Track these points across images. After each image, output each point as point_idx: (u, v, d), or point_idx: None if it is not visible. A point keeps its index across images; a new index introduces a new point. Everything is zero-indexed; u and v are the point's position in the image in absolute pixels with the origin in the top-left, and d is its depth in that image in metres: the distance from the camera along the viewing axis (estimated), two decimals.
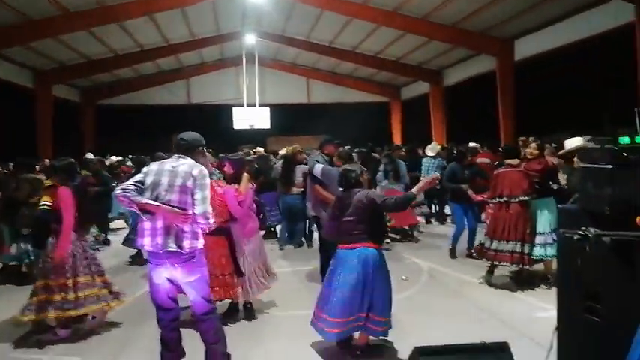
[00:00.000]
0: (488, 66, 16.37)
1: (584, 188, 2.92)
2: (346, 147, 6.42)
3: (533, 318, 4.42)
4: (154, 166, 3.41)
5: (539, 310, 4.51)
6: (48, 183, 4.69)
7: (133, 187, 3.29)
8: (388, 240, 7.82)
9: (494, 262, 5.60)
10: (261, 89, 22.39)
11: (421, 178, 9.07)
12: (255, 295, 4.80)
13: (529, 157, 5.60)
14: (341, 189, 4.02)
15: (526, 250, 5.38)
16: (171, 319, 3.44)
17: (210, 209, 3.29)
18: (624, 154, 2.70)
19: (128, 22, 14.98)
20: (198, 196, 3.25)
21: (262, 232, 5.15)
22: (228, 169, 4.76)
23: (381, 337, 3.89)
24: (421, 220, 9.98)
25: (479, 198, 6.69)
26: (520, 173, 5.50)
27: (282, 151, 11.06)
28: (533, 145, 5.66)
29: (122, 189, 3.28)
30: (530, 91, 15.48)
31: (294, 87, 24.79)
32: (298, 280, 6.13)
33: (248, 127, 21.24)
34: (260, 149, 13.19)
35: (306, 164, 8.86)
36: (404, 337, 4.05)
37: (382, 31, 16.58)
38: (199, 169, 3.33)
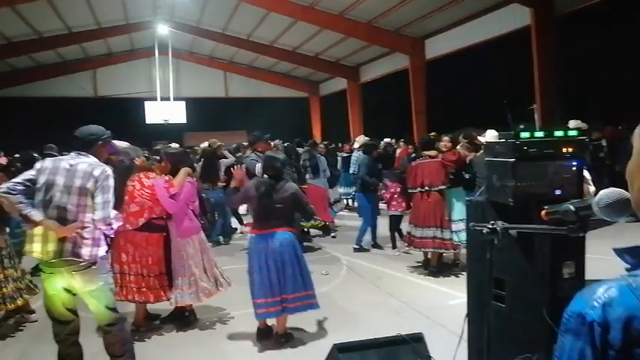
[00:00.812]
0: (402, 64, 16.96)
1: (489, 181, 3.06)
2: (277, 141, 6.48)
3: (446, 306, 4.61)
4: (47, 163, 3.04)
5: (452, 298, 4.71)
6: None
7: (20, 188, 2.91)
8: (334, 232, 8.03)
9: (421, 250, 5.96)
10: (176, 82, 21.48)
11: (351, 172, 9.23)
12: (194, 301, 4.38)
13: (443, 149, 5.95)
14: (265, 175, 4.10)
15: (446, 235, 5.74)
16: (68, 333, 3.11)
17: (112, 214, 3.01)
18: (525, 147, 2.85)
19: (22, 6, 13.63)
20: (98, 199, 2.95)
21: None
22: (165, 162, 4.51)
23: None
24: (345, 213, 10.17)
25: (387, 195, 7.06)
26: (438, 163, 5.84)
27: (204, 145, 10.66)
28: (446, 138, 6.01)
29: (7, 187, 2.90)
30: (441, 89, 16.29)
31: (211, 81, 24.05)
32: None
33: (162, 122, 20.25)
34: (175, 145, 12.60)
35: (226, 158, 8.65)
36: (324, 333, 4.05)
37: (300, 26, 16.57)
38: (101, 168, 3.03)
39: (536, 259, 2.75)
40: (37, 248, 2.93)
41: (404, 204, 6.88)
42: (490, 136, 5.94)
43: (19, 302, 4.21)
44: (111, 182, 3.03)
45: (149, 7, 17.30)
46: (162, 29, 18.68)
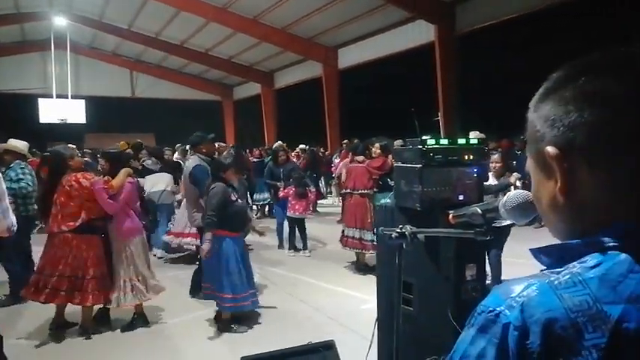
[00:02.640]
0: (316, 72, 17.19)
1: (397, 186, 3.12)
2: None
3: (357, 311, 4.63)
4: None
5: (364, 303, 4.75)
6: None
7: None
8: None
9: (350, 249, 6.24)
10: (76, 79, 19.91)
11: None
12: (136, 302, 4.33)
13: (374, 155, 6.25)
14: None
15: (366, 237, 5.95)
16: None
17: (14, 220, 2.79)
18: (431, 154, 2.94)
19: None
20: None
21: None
22: (104, 163, 4.48)
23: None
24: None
25: (281, 194, 7.47)
26: (363, 169, 6.25)
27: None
28: (377, 145, 6.27)
29: None
30: (354, 98, 16.74)
31: (115, 79, 22.61)
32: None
33: (58, 121, 18.61)
34: (72, 147, 11.62)
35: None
36: (235, 344, 3.89)
37: (213, 27, 16.16)
38: None
39: (442, 262, 2.84)
40: None
41: (298, 206, 7.22)
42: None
43: None
44: (3, 187, 2.82)
45: None
46: (60, 21, 17.25)
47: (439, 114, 12.19)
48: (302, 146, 13.76)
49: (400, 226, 1.77)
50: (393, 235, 1.74)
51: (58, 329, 4.25)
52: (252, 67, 20.46)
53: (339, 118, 16.73)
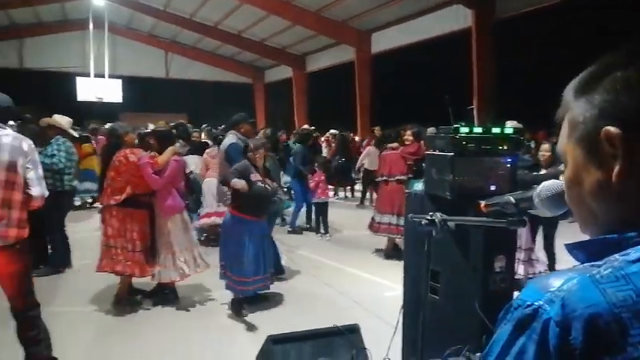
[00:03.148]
0: (349, 56, 17.03)
1: (428, 174, 3.09)
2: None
3: (382, 298, 4.65)
4: None
5: (389, 290, 4.76)
6: None
7: None
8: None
9: (381, 234, 6.24)
10: (112, 59, 20.31)
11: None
12: (175, 279, 4.45)
13: (406, 142, 6.27)
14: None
15: (401, 222, 5.89)
16: None
17: (46, 191, 2.87)
18: (464, 142, 2.90)
19: None
20: (32, 174, 2.77)
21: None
22: (153, 141, 4.61)
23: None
24: None
25: (312, 182, 7.48)
26: (397, 155, 6.25)
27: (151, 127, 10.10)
28: (409, 132, 6.29)
29: None
30: (386, 83, 16.54)
31: (151, 59, 22.98)
32: None
33: (95, 100, 19.10)
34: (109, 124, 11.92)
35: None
36: (260, 324, 3.97)
37: (246, 9, 16.17)
38: (28, 142, 2.82)
39: (470, 252, 2.81)
40: None
41: (328, 192, 7.40)
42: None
43: None
44: (37, 156, 2.88)
45: None
46: (98, 1, 17.58)
47: (473, 103, 12.00)
48: (332, 131, 13.72)
49: (430, 213, 1.76)
50: (422, 222, 1.73)
51: (125, 299, 4.50)
52: (284, 50, 20.43)
53: (370, 103, 16.59)
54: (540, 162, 5.04)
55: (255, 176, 4.24)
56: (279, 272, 5.09)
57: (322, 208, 7.58)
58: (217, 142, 6.81)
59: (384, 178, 6.31)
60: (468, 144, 2.91)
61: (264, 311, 4.37)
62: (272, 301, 4.61)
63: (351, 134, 14.08)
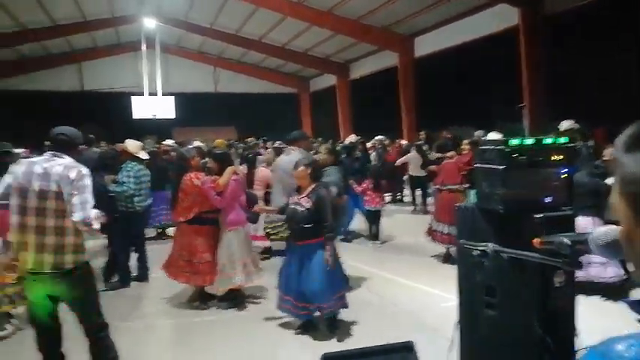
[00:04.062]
0: (392, 61, 16.95)
1: (479, 187, 3.05)
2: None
3: (437, 309, 4.59)
4: (20, 167, 2.92)
5: (444, 301, 4.68)
6: None
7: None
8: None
9: (437, 243, 6.28)
10: (165, 77, 21.19)
11: None
12: (237, 286, 4.85)
13: (464, 151, 6.43)
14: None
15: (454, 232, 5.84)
16: (52, 341, 3.04)
17: (91, 214, 2.84)
18: (515, 155, 2.84)
19: None
20: (76, 200, 2.82)
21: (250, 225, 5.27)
22: (211, 163, 5.02)
23: None
24: None
25: (359, 189, 7.44)
26: (453, 165, 6.38)
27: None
28: (466, 141, 6.50)
29: None
30: (430, 87, 16.30)
31: (200, 75, 23.80)
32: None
33: (150, 117, 19.99)
34: (170, 141, 12.43)
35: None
36: (313, 337, 4.02)
37: (289, 22, 16.46)
38: (77, 169, 2.91)
39: (528, 267, 2.75)
40: (21, 257, 2.85)
41: (378, 199, 7.40)
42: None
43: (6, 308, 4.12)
44: (87, 182, 2.91)
45: (134, 1, 17.07)
46: (149, 23, 18.44)
47: (524, 101, 11.62)
48: (379, 137, 13.68)
49: (483, 243, 1.76)
50: (474, 253, 1.73)
51: (199, 303, 4.98)
52: (328, 58, 20.60)
53: (415, 107, 16.42)
54: (605, 168, 4.83)
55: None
56: None
57: (374, 216, 7.58)
58: (248, 160, 6.97)
59: (438, 186, 6.43)
60: (520, 156, 2.86)
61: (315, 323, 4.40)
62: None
63: (398, 141, 13.98)
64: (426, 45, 15.57)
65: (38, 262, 2.84)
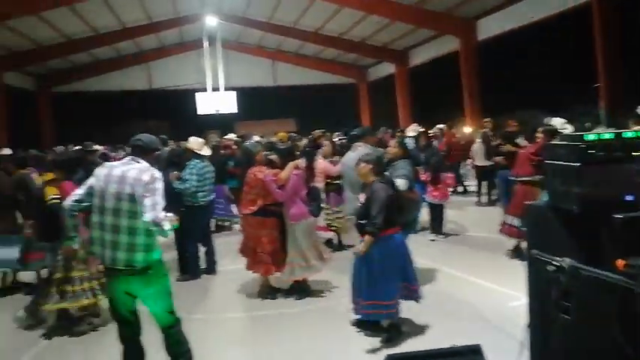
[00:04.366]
0: (453, 46, 16.40)
1: (551, 185, 2.89)
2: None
3: (504, 308, 4.41)
4: (102, 170, 3.15)
5: (512, 300, 4.50)
6: (49, 176, 4.79)
7: (83, 202, 3.12)
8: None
9: (509, 237, 6.06)
10: (226, 73, 21.81)
11: None
12: (302, 277, 5.01)
13: (537, 140, 6.05)
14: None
15: None
16: (131, 334, 3.25)
17: (161, 215, 2.95)
18: (591, 151, 2.66)
19: (79, 5, 14.25)
20: (147, 201, 2.97)
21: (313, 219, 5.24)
22: (275, 157, 5.14)
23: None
24: None
25: (424, 177, 7.25)
26: (524, 155, 6.12)
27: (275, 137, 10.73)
28: (540, 129, 6.11)
29: (72, 202, 3.10)
30: (494, 71, 15.64)
31: (260, 69, 24.27)
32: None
33: (214, 112, 20.70)
34: (232, 135, 12.83)
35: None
36: (375, 339, 3.99)
37: (345, 12, 16.36)
38: (150, 173, 3.08)
39: (608, 270, 2.58)
40: (97, 251, 3.10)
41: (435, 192, 7.16)
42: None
43: (86, 301, 4.40)
44: (159, 185, 3.06)
45: (197, 1, 17.63)
46: (211, 21, 19.00)
47: (599, 81, 10.84)
48: (440, 126, 13.32)
49: (558, 259, 1.66)
50: (549, 268, 1.63)
51: (267, 295, 5.17)
52: (386, 46, 20.28)
53: (479, 94, 15.81)
54: None
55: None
56: None
57: (436, 210, 7.40)
58: (307, 154, 6.97)
59: (513, 178, 6.19)
60: (597, 152, 2.67)
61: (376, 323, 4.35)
62: None
63: (461, 128, 13.54)
64: (489, 27, 14.91)
65: (112, 259, 3.05)
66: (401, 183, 4.71)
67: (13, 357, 4.14)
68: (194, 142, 6.16)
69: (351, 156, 5.36)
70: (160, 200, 3.03)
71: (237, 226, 8.00)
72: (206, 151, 6.23)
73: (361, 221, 3.96)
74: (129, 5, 15.85)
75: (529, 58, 15.00)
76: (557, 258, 1.67)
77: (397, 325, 4.04)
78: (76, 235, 4.17)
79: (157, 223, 2.94)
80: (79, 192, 3.15)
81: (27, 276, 5.87)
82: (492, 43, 15.09)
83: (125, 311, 3.20)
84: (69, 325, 4.56)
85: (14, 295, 5.73)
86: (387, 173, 4.20)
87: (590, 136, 2.72)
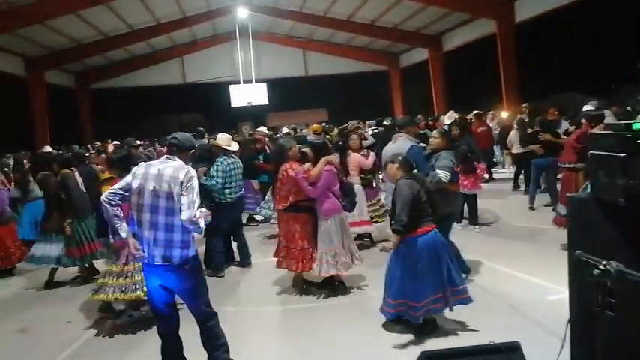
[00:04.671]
0: (488, 29, 15.90)
1: (595, 176, 2.75)
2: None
3: (544, 302, 4.28)
4: (141, 169, 3.23)
5: (551, 293, 4.36)
6: (106, 175, 4.97)
7: (117, 198, 3.17)
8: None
9: (559, 227, 5.84)
10: (257, 64, 21.95)
11: None
12: (334, 273, 4.93)
13: (582, 126, 6.07)
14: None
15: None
16: (168, 327, 3.33)
17: (197, 213, 3.07)
18: (638, 140, 2.51)
19: (115, 2, 14.57)
20: (184, 200, 3.07)
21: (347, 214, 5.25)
22: (308, 151, 5.11)
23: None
24: None
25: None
26: (568, 142, 6.04)
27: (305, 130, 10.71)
28: (583, 115, 6.13)
29: (106, 198, 3.16)
30: (533, 54, 15.10)
31: (290, 60, 24.26)
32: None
33: (246, 104, 20.89)
34: (263, 128, 12.86)
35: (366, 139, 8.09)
36: (411, 334, 3.94)
37: None
38: (186, 171, 3.16)
39: None
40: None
41: (466, 182, 6.92)
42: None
43: (134, 295, 4.49)
44: (195, 183, 3.15)
45: None
46: (242, 13, 19.09)
47: None
48: (476, 112, 12.99)
49: (604, 262, 1.57)
50: (594, 272, 1.55)
51: (300, 289, 5.20)
52: (419, 32, 19.87)
53: (516, 77, 15.30)
54: None
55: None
56: None
57: (469, 200, 7.22)
58: (339, 149, 6.80)
59: (559, 165, 6.16)
60: None
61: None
62: None
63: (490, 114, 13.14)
64: (527, 8, 14.36)
65: (151, 255, 3.13)
66: (442, 175, 4.59)
67: (57, 349, 4.29)
68: (222, 139, 6.15)
69: (392, 148, 5.22)
70: (196, 198, 3.12)
71: (270, 219, 8.00)
72: (234, 147, 6.17)
73: (392, 220, 3.92)
74: (163, 1, 16.09)
75: (569, 40, 14.39)
76: (603, 261, 1.57)
77: (431, 321, 3.96)
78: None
79: (193, 221, 3.04)
80: (117, 186, 3.23)
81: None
82: (530, 24, 14.54)
83: (162, 305, 3.28)
84: (112, 317, 4.72)
85: (59, 288, 6.01)
86: (415, 171, 4.08)
87: (638, 125, 2.57)
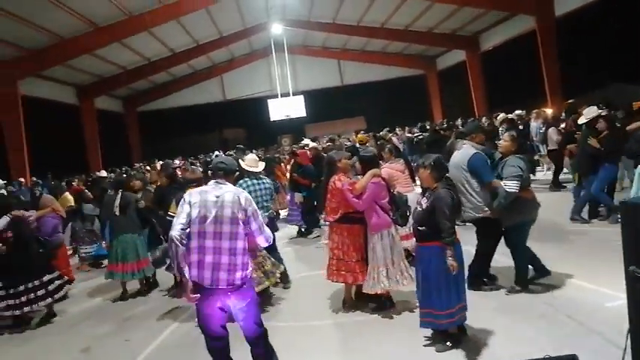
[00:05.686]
0: (527, 26, 15.51)
1: None
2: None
3: (602, 309, 4.08)
4: (195, 197, 3.27)
5: (609, 299, 4.16)
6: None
7: (185, 228, 3.18)
8: None
9: None
10: (294, 77, 22.27)
11: None
12: (381, 290, 4.73)
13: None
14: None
15: None
16: (222, 347, 3.43)
17: (270, 233, 3.37)
18: None
19: (156, 28, 15.21)
20: (254, 226, 3.26)
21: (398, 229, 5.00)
22: (359, 165, 5.08)
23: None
24: None
25: None
26: None
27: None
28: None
29: (178, 237, 3.14)
30: (575, 48, 14.57)
31: (326, 71, 24.49)
32: None
33: (284, 118, 21.20)
34: (308, 140, 12.92)
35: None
36: (465, 339, 3.87)
37: (410, 3, 16.04)
38: (244, 195, 3.28)
39: None
40: (194, 274, 3.22)
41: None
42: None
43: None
44: (255, 205, 3.32)
45: (262, 10, 18.14)
46: (277, 28, 19.47)
47: None
48: (518, 112, 12.66)
49: None
50: None
51: (351, 303, 5.05)
52: (455, 33, 19.61)
53: (558, 73, 14.80)
54: None
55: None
56: None
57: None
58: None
59: None
60: None
61: (470, 320, 4.16)
62: (477, 310, 4.24)
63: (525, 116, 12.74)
64: (567, 1, 13.90)
65: (213, 279, 3.21)
66: (509, 187, 4.45)
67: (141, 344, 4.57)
68: (248, 160, 5.94)
69: (456, 156, 4.95)
70: (261, 220, 3.33)
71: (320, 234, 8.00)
72: (260, 167, 5.95)
73: (420, 227, 3.86)
74: (201, 23, 16.66)
75: (613, 31, 13.79)
76: None
77: (458, 334, 3.89)
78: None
79: (269, 241, 3.32)
80: (181, 221, 3.22)
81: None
82: (572, 18, 14.05)
83: (219, 327, 3.36)
84: None
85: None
86: (448, 174, 4.01)
87: None
